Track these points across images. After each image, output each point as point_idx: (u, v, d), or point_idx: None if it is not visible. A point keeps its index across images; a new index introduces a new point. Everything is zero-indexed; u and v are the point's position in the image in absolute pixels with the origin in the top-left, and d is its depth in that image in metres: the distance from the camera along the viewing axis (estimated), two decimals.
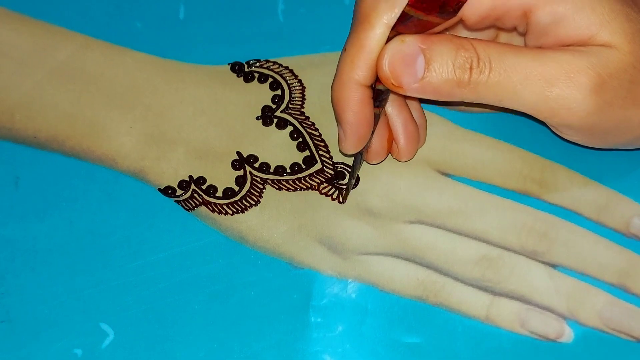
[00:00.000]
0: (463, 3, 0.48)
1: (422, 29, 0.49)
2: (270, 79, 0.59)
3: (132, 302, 0.52)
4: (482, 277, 0.53)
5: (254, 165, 0.56)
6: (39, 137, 0.57)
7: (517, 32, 0.53)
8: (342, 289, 0.53)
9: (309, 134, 0.57)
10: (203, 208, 0.55)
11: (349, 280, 0.53)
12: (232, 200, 0.55)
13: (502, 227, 0.54)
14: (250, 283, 0.53)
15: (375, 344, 0.51)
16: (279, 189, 0.56)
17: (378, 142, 0.54)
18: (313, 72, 0.59)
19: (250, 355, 0.51)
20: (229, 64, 0.60)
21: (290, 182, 0.56)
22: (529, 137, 0.57)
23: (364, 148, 0.53)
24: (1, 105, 0.58)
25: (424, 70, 0.49)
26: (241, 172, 0.56)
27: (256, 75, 0.59)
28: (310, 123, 0.58)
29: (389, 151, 0.55)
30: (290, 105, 0.58)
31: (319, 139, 0.57)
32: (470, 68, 0.49)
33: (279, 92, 0.59)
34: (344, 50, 0.51)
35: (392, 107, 0.54)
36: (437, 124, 0.57)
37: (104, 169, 0.56)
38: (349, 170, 0.56)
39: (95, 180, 0.56)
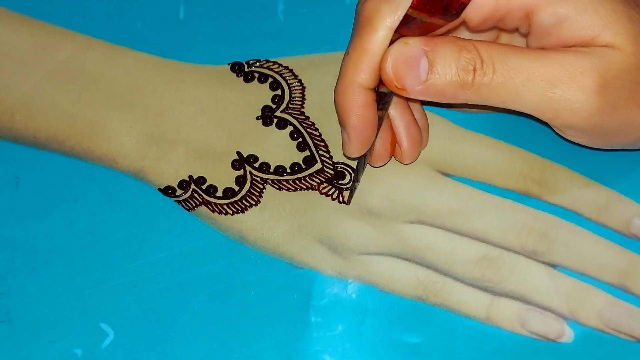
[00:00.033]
0: (466, 4, 0.48)
1: (425, 31, 0.49)
2: (270, 79, 0.59)
3: (132, 302, 0.52)
4: (482, 277, 0.53)
5: (254, 165, 0.56)
6: (38, 137, 0.57)
7: (519, 33, 0.53)
8: (342, 289, 0.53)
9: (309, 134, 0.57)
10: (203, 208, 0.55)
11: (349, 280, 0.53)
12: (232, 200, 0.55)
13: (502, 227, 0.54)
14: (251, 283, 0.53)
15: (375, 344, 0.51)
16: (279, 188, 0.56)
17: (381, 145, 0.54)
18: (313, 72, 0.59)
19: (250, 355, 0.51)
20: (229, 64, 0.60)
21: (291, 182, 0.56)
22: (529, 137, 0.57)
23: (367, 151, 0.53)
24: (1, 105, 0.58)
25: (428, 73, 0.49)
26: (241, 172, 0.56)
27: (256, 75, 0.59)
28: (310, 123, 0.58)
29: (392, 154, 0.55)
30: (290, 105, 0.58)
31: (319, 139, 0.57)
32: (474, 70, 0.49)
33: (279, 92, 0.59)
34: (346, 53, 0.51)
35: (394, 110, 0.54)
36: (437, 124, 0.57)
37: (104, 169, 0.56)
38: (349, 170, 0.56)
39: (95, 180, 0.56)
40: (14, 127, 0.58)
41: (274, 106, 0.58)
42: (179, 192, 0.55)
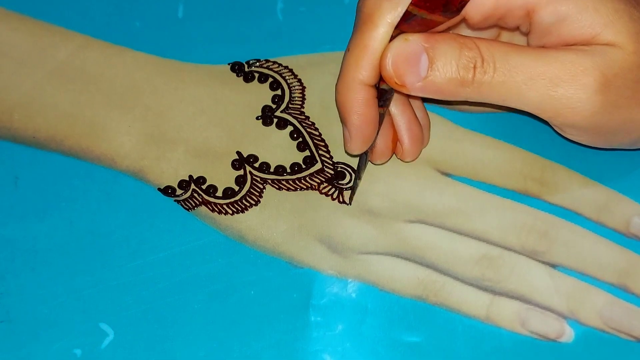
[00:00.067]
0: (466, 2, 0.48)
1: (426, 27, 0.49)
2: (270, 79, 0.59)
3: (132, 302, 0.52)
4: (482, 277, 0.53)
5: (254, 165, 0.56)
6: (38, 137, 0.57)
7: (520, 31, 0.53)
8: (342, 288, 0.53)
9: (308, 133, 0.57)
10: (203, 208, 0.55)
11: (349, 280, 0.53)
12: (232, 200, 0.55)
13: (502, 226, 0.54)
14: (250, 282, 0.53)
15: (375, 343, 0.51)
16: (279, 188, 0.56)
17: (382, 143, 0.54)
18: (313, 71, 0.59)
19: (250, 355, 0.51)
20: (228, 64, 0.60)
21: (291, 182, 0.56)
22: (529, 137, 0.57)
23: (369, 148, 0.53)
24: (0, 105, 0.58)
25: (428, 70, 0.49)
26: (241, 172, 0.56)
27: (256, 75, 0.59)
28: (310, 123, 0.58)
29: (394, 151, 0.55)
30: (290, 105, 0.58)
31: (319, 138, 0.57)
32: (474, 68, 0.49)
33: (279, 92, 0.59)
34: (347, 50, 0.51)
35: (395, 107, 0.54)
36: (437, 124, 0.57)
37: (104, 168, 0.56)
38: (349, 170, 0.56)
39: (94, 180, 0.56)
40: (13, 126, 0.58)
41: (274, 106, 0.58)
42: (178, 192, 0.55)
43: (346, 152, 0.54)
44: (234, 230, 0.54)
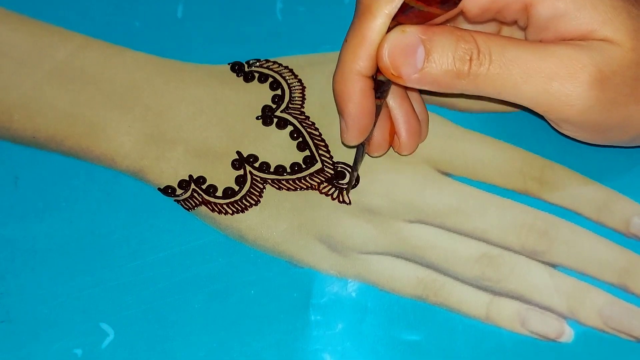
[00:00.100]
0: None
1: (423, 19, 0.49)
2: (270, 79, 0.59)
3: (132, 302, 0.52)
4: (482, 276, 0.53)
5: (254, 164, 0.56)
6: (38, 137, 0.57)
7: (518, 26, 0.53)
8: (342, 288, 0.53)
9: (309, 133, 0.57)
10: (203, 207, 0.55)
11: (349, 279, 0.53)
12: (232, 199, 0.55)
13: (502, 226, 0.54)
14: (250, 282, 0.53)
15: (375, 343, 0.51)
16: (279, 188, 0.56)
17: (380, 135, 0.54)
18: (313, 71, 0.59)
19: (250, 354, 0.51)
20: (229, 64, 0.60)
21: (291, 182, 0.56)
22: (529, 136, 0.57)
23: (365, 140, 0.53)
24: (0, 105, 0.58)
25: (424, 61, 0.49)
26: (241, 172, 0.56)
27: (256, 75, 0.59)
28: (310, 123, 0.58)
29: (391, 144, 0.55)
30: (290, 105, 0.58)
31: (319, 138, 0.57)
32: (470, 60, 0.49)
33: (279, 91, 0.59)
34: (345, 40, 0.51)
35: (393, 100, 0.54)
36: (437, 124, 0.57)
37: (104, 168, 0.56)
38: (349, 169, 0.56)
39: (94, 180, 0.56)
40: (12, 127, 0.58)
41: (274, 106, 0.58)
42: (178, 191, 0.55)
43: (343, 143, 0.54)
44: (234, 230, 0.54)
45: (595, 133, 0.52)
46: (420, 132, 0.55)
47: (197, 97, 0.58)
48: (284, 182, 0.56)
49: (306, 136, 0.57)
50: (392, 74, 0.50)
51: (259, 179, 0.56)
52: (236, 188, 0.55)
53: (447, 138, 0.57)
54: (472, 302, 0.52)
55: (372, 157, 0.56)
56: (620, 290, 0.53)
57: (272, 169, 0.56)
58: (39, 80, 0.59)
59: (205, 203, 0.55)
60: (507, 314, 0.52)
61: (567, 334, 0.52)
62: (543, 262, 0.53)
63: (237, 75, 0.59)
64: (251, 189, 0.55)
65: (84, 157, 0.57)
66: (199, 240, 0.54)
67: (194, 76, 0.59)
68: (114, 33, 0.61)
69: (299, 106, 0.58)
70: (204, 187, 0.56)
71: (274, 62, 0.60)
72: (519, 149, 0.56)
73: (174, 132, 0.57)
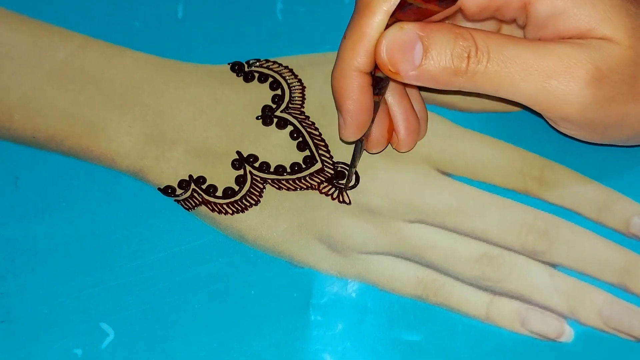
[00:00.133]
0: None
1: (422, 16, 0.49)
2: (270, 79, 0.59)
3: (132, 302, 0.52)
4: (482, 276, 0.53)
5: (254, 164, 0.56)
6: (38, 137, 0.57)
7: (517, 24, 0.53)
8: (342, 288, 0.53)
9: (309, 133, 0.57)
10: (203, 207, 0.55)
11: (349, 279, 0.53)
12: (232, 199, 0.55)
13: (502, 226, 0.54)
14: (250, 282, 0.53)
15: (375, 343, 0.51)
16: (279, 188, 0.56)
17: (378, 132, 0.54)
18: (313, 71, 0.59)
19: (250, 354, 0.51)
20: (228, 64, 0.60)
21: (291, 182, 0.56)
22: (528, 136, 0.57)
23: (363, 136, 0.53)
24: (0, 105, 0.58)
25: (422, 58, 0.49)
26: (241, 172, 0.56)
27: (256, 74, 0.59)
28: (310, 123, 0.58)
29: (389, 141, 0.55)
30: (290, 105, 0.58)
31: (319, 138, 0.57)
32: (468, 57, 0.49)
33: (279, 91, 0.59)
34: (344, 37, 0.51)
35: (392, 97, 0.54)
36: (437, 124, 0.57)
37: (104, 168, 0.56)
38: (348, 167, 0.56)
39: (94, 180, 0.56)
40: (12, 127, 0.58)
41: (274, 106, 0.58)
42: (178, 191, 0.55)
43: (340, 138, 0.54)
44: (234, 230, 0.54)
45: (593, 131, 0.52)
46: (418, 129, 0.55)
47: (197, 97, 0.58)
48: (284, 182, 0.56)
49: (306, 136, 0.57)
50: (390, 71, 0.50)
51: (259, 179, 0.56)
52: (236, 188, 0.55)
53: (447, 138, 0.57)
54: (472, 302, 0.52)
55: (370, 153, 0.56)
56: (620, 290, 0.53)
57: (272, 169, 0.56)
58: (39, 80, 0.59)
59: (205, 203, 0.55)
60: (507, 314, 0.52)
61: (567, 334, 0.52)
62: (543, 262, 0.53)
63: (237, 75, 0.59)
64: (251, 189, 0.55)
65: (84, 157, 0.57)
66: (199, 240, 0.54)
67: (194, 76, 0.59)
68: (114, 33, 0.61)
69: (299, 106, 0.58)
70: (204, 187, 0.56)
71: (274, 62, 0.60)
72: (519, 148, 0.56)
73: (174, 132, 0.57)
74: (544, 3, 0.50)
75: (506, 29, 0.55)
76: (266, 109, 0.58)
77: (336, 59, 0.52)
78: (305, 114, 0.58)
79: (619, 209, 0.55)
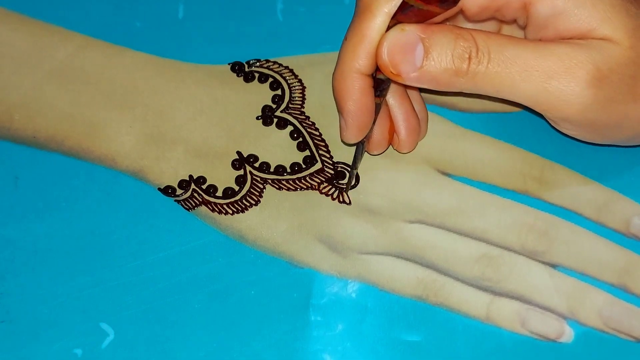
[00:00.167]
0: None
1: (423, 18, 0.49)
2: (271, 79, 0.59)
3: (132, 302, 0.52)
4: (482, 276, 0.53)
5: (254, 165, 0.56)
6: (38, 137, 0.57)
7: (518, 24, 0.53)
8: (342, 288, 0.53)
9: (309, 133, 0.57)
10: (203, 207, 0.55)
11: (349, 279, 0.53)
12: (232, 200, 0.55)
13: (502, 226, 0.54)
14: (250, 282, 0.53)
15: (375, 343, 0.51)
16: (279, 188, 0.56)
17: (379, 133, 0.54)
18: (313, 71, 0.59)
19: (250, 354, 0.51)
20: (229, 64, 0.60)
21: (291, 182, 0.56)
22: (529, 136, 0.57)
23: (365, 138, 0.53)
24: (0, 105, 0.58)
25: (423, 59, 0.49)
26: (241, 172, 0.56)
27: (256, 75, 0.59)
28: (310, 123, 0.58)
29: (390, 142, 0.55)
30: (290, 105, 0.58)
31: (319, 138, 0.57)
32: (469, 58, 0.49)
33: (279, 91, 0.59)
34: (345, 39, 0.51)
35: (393, 98, 0.54)
36: (437, 124, 0.57)
37: (104, 168, 0.56)
38: (349, 169, 0.56)
39: (94, 180, 0.56)
40: (13, 127, 0.58)
41: (274, 106, 0.58)
42: (179, 191, 0.55)
43: (342, 140, 0.54)
44: (234, 230, 0.54)
45: (593, 131, 0.52)
46: (419, 130, 0.55)
47: (197, 97, 0.58)
48: (284, 182, 0.56)
49: (306, 136, 0.57)
50: (391, 72, 0.50)
51: (259, 179, 0.56)
52: (236, 188, 0.55)
53: (447, 138, 0.57)
54: (472, 302, 0.52)
55: (371, 155, 0.56)
56: (620, 291, 0.53)
57: (272, 169, 0.56)
58: (39, 80, 0.59)
59: (205, 203, 0.55)
60: (507, 314, 0.52)
61: (567, 334, 0.52)
62: (543, 262, 0.53)
63: (237, 75, 0.59)
64: (251, 189, 0.55)
65: (84, 157, 0.57)
66: (199, 240, 0.54)
67: (194, 76, 0.59)
68: (114, 33, 0.61)
69: (299, 106, 0.58)
70: (204, 187, 0.56)
71: (274, 62, 0.60)
72: (519, 149, 0.56)
73: (174, 132, 0.57)
74: (544, 3, 0.50)
75: (507, 29, 0.55)
76: (266, 109, 0.58)
77: (337, 61, 0.52)
78: (306, 114, 0.58)
79: (619, 209, 0.55)
